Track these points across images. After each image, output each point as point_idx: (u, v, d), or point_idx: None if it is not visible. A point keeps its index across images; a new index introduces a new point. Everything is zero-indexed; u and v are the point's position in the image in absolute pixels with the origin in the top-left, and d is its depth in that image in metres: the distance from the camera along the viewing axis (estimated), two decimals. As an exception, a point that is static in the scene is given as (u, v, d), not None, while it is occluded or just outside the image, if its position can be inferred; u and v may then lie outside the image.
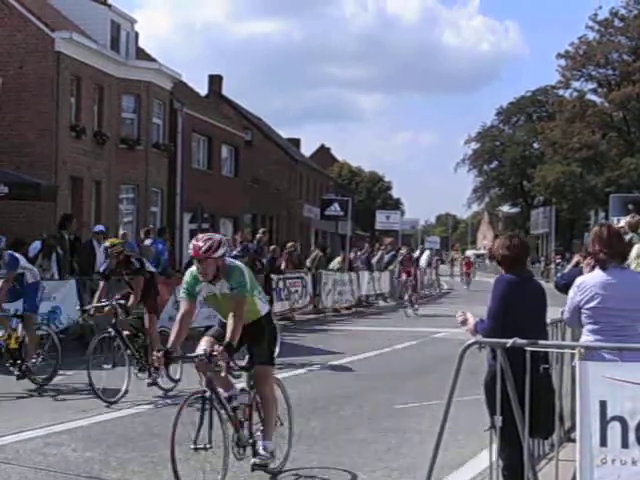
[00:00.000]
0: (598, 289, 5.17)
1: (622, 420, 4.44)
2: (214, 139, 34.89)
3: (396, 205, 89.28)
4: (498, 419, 5.07)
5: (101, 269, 11.23)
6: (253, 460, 6.48)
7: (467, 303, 21.42)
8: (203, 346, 6.39)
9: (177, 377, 10.46)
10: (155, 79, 27.90)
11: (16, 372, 10.50)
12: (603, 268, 5.24)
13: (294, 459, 7.18)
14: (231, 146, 37.58)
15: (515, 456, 5.20)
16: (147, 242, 18.32)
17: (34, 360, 10.63)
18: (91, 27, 26.03)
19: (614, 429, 4.45)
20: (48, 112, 23.29)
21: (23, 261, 11.08)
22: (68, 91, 24.04)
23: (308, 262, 25.46)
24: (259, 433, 6.60)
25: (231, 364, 6.35)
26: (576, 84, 69.13)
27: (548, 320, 6.02)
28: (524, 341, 4.93)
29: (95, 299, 10.73)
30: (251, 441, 6.53)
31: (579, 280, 5.36)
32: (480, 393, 5.55)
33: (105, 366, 9.97)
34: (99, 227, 18.31)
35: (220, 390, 6.29)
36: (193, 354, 6.36)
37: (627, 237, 9.35)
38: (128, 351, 10.17)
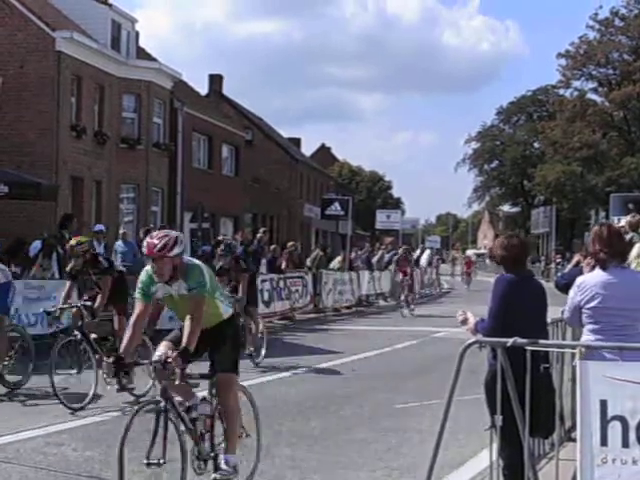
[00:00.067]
0: (599, 289, 5.17)
1: (622, 419, 4.44)
2: (214, 138, 34.90)
3: (396, 204, 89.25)
4: (498, 418, 5.06)
5: (67, 268, 10.74)
6: (214, 475, 5.98)
7: (467, 303, 21.42)
8: (161, 351, 5.88)
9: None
10: (155, 79, 27.91)
11: None
12: (603, 268, 5.24)
13: (292, 458, 7.19)
14: (231, 145, 37.59)
15: (515, 455, 5.20)
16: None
17: (6, 363, 10.26)
18: (92, 27, 26.06)
19: (614, 428, 4.44)
20: (49, 112, 23.31)
21: None
22: (69, 91, 24.05)
23: (308, 262, 25.46)
24: (222, 446, 6.08)
25: (188, 371, 5.78)
26: (577, 83, 69.22)
27: (548, 319, 6.02)
28: (524, 340, 4.93)
29: (61, 300, 10.22)
30: (212, 454, 6.02)
31: (579, 280, 5.36)
32: (480, 392, 5.55)
33: (70, 371, 9.71)
34: (99, 226, 18.34)
35: (179, 399, 5.83)
36: (146, 361, 6.02)
37: (627, 236, 9.35)
38: (96, 355, 9.60)
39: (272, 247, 23.07)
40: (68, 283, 10.31)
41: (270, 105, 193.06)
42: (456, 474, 6.78)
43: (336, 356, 14.25)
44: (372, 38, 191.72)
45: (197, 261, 6.05)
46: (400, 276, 25.40)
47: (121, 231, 20.73)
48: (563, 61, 68.46)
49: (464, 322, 5.73)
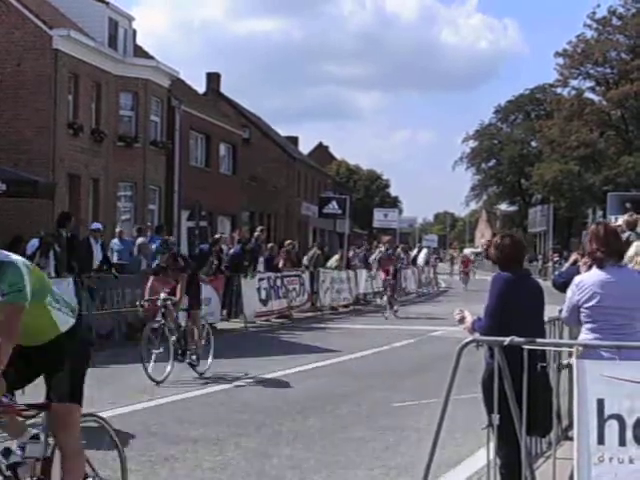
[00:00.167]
0: (597, 288, 5.17)
1: (619, 418, 4.44)
2: (212, 137, 34.88)
3: (394, 203, 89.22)
4: (495, 417, 5.07)
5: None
6: None
7: (465, 301, 21.42)
8: None
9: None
10: (153, 76, 27.89)
11: None
12: (600, 267, 5.25)
13: (291, 458, 7.18)
14: (229, 144, 37.57)
15: (512, 454, 5.20)
16: (140, 240, 18.24)
17: None
18: (89, 24, 26.04)
19: (611, 427, 4.45)
20: (46, 109, 23.29)
21: None
22: (66, 88, 24.03)
23: (305, 260, 25.46)
24: None
25: (4, 400, 4.46)
26: (574, 82, 69.19)
27: (546, 318, 6.03)
28: (521, 339, 4.93)
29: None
30: None
31: (577, 279, 5.36)
32: (478, 391, 5.56)
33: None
34: (96, 225, 18.30)
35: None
36: None
37: (624, 235, 9.36)
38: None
39: (269, 245, 23.06)
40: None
41: (268, 103, 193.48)
42: (453, 473, 6.79)
43: (333, 355, 14.25)
44: (370, 36, 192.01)
45: (16, 258, 4.44)
46: (382, 275, 24.77)
47: (117, 229, 20.73)
48: (561, 60, 68.54)
49: (461, 321, 5.73)
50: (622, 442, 4.44)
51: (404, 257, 32.01)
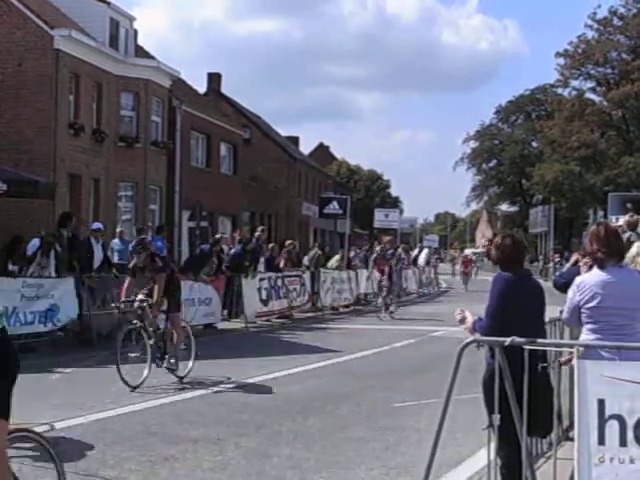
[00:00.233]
0: (597, 288, 5.17)
1: (620, 419, 4.44)
2: (213, 137, 34.88)
3: (395, 203, 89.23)
4: (496, 417, 5.06)
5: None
6: None
7: (466, 301, 21.41)
8: None
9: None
10: (154, 77, 27.89)
11: None
12: (601, 267, 5.24)
13: (291, 458, 7.17)
14: (230, 144, 37.57)
15: (513, 455, 5.19)
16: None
17: None
18: (90, 24, 26.03)
19: (612, 427, 4.44)
20: (47, 109, 23.28)
21: None
22: (67, 88, 24.03)
23: (306, 260, 25.44)
24: None
25: None
26: (575, 83, 69.23)
27: (546, 319, 6.02)
28: (522, 339, 4.92)
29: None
30: None
31: (578, 280, 5.36)
32: (478, 391, 5.55)
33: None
34: (97, 225, 18.30)
35: None
36: None
37: (625, 235, 9.36)
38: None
39: (270, 246, 23.06)
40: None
41: (269, 103, 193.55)
42: (454, 473, 6.78)
43: (334, 355, 14.24)
44: (371, 37, 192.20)
45: None
46: (377, 275, 24.46)
47: (118, 229, 20.74)
48: (561, 60, 68.58)
49: (462, 321, 5.73)
50: (623, 442, 4.43)
51: (405, 257, 31.97)
